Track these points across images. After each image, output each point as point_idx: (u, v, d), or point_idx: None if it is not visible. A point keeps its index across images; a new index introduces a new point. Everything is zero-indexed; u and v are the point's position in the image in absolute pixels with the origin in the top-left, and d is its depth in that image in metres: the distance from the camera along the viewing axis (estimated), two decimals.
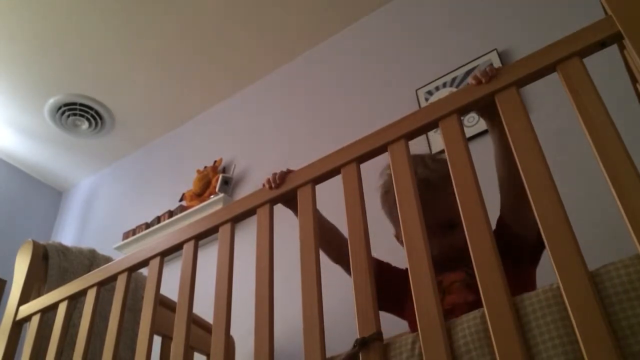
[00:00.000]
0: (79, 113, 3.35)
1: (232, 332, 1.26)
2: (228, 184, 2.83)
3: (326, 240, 1.30)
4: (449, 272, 1.26)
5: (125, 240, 3.04)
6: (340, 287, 1.34)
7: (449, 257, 1.22)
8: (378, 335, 0.88)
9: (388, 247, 1.37)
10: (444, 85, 2.34)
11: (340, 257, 1.33)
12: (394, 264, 1.41)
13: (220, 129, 3.27)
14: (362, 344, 0.87)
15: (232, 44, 3.05)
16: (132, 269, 1.44)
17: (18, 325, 1.62)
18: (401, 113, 1.14)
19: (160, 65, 3.14)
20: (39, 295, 1.66)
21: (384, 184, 1.37)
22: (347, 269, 1.33)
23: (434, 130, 1.10)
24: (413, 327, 1.28)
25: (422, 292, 0.87)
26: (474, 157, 0.97)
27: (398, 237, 1.37)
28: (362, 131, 1.17)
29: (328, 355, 0.95)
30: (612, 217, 0.86)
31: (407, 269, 1.38)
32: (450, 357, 0.79)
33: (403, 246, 1.31)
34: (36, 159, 3.71)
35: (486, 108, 1.07)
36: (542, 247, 1.19)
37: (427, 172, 1.29)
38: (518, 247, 1.16)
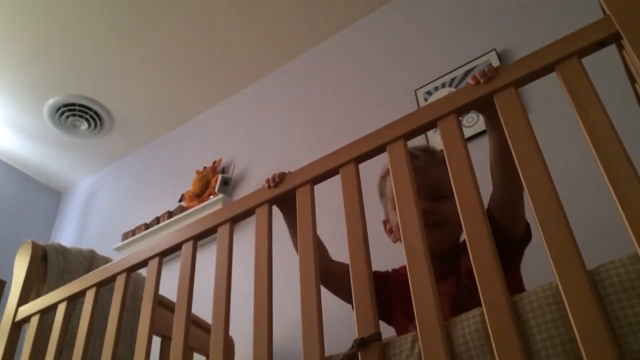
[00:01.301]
0: (78, 114, 3.35)
1: (231, 333, 1.26)
2: (227, 185, 2.83)
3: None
4: (439, 280, 1.25)
5: (125, 241, 3.04)
6: None
7: (440, 253, 1.22)
8: (377, 335, 0.88)
9: (387, 248, 1.37)
10: (443, 85, 2.34)
11: (327, 280, 1.31)
12: (393, 263, 1.41)
13: (220, 130, 3.27)
14: (361, 344, 0.87)
15: (231, 45, 3.05)
16: (131, 270, 1.44)
17: (17, 326, 1.62)
18: (400, 113, 1.14)
19: (160, 65, 3.14)
20: (38, 296, 1.66)
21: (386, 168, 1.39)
22: (334, 291, 1.34)
23: (433, 130, 1.10)
24: (399, 333, 1.29)
25: (421, 291, 0.87)
26: (472, 157, 0.97)
27: (386, 223, 1.43)
28: (361, 131, 1.17)
29: (327, 355, 0.95)
30: (611, 216, 0.86)
31: (387, 271, 1.39)
32: (449, 356, 0.80)
33: (389, 235, 1.38)
34: (35, 160, 3.71)
35: (486, 105, 1.08)
36: (528, 240, 1.22)
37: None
38: (504, 240, 1.16)
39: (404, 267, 1.19)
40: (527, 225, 1.24)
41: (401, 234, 0.96)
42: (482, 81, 1.02)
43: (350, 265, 0.99)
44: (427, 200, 1.28)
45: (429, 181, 1.30)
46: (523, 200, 1.17)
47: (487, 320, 0.78)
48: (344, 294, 1.29)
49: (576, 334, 0.71)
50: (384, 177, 1.43)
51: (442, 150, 1.03)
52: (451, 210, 1.22)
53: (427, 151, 1.38)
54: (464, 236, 1.29)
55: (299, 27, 2.99)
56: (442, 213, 1.28)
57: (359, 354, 0.88)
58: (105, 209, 3.60)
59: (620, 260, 0.75)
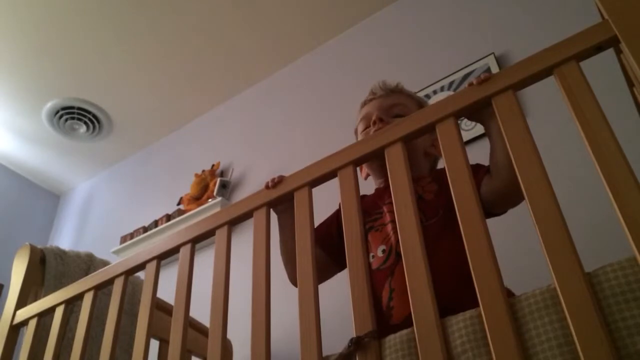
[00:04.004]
0: (76, 117, 3.35)
1: (229, 336, 1.26)
2: (226, 188, 2.83)
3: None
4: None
5: (123, 244, 3.04)
6: (337, 288, 1.34)
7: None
8: (373, 334, 0.87)
9: None
10: (442, 89, 2.34)
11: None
12: None
13: (218, 133, 3.27)
14: (357, 343, 0.87)
15: (229, 48, 3.06)
16: (129, 273, 1.43)
17: (15, 329, 1.61)
18: None
19: (158, 68, 3.14)
20: (36, 299, 1.66)
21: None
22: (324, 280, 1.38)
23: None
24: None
25: (419, 290, 0.87)
26: (471, 161, 0.97)
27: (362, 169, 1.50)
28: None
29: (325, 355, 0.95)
30: (609, 219, 0.86)
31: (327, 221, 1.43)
32: (446, 356, 0.79)
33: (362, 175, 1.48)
34: (34, 163, 3.70)
35: (478, 115, 1.09)
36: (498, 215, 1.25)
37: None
38: None
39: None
40: None
41: (400, 239, 0.95)
42: (474, 82, 1.03)
43: (348, 266, 0.99)
44: (385, 116, 1.38)
45: (386, 102, 1.43)
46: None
47: (485, 323, 0.78)
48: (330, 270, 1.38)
49: (574, 337, 0.71)
50: (363, 104, 1.56)
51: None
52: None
53: (384, 85, 1.52)
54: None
55: (297, 31, 2.99)
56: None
57: (355, 353, 0.88)
58: (104, 212, 3.59)
59: (618, 263, 0.75)
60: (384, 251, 1.23)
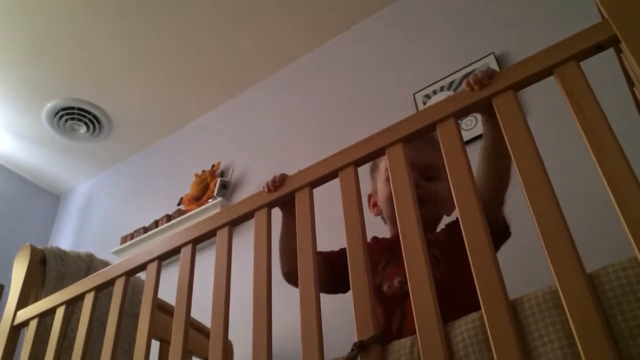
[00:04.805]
0: (76, 117, 3.35)
1: (230, 336, 1.26)
2: (226, 188, 2.83)
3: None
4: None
5: (124, 245, 3.04)
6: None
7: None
8: (376, 338, 0.87)
9: None
10: (442, 89, 2.34)
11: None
12: None
13: (219, 133, 3.27)
14: (360, 347, 0.87)
15: (229, 48, 3.06)
16: (130, 273, 1.44)
17: (16, 330, 1.61)
18: (399, 117, 1.14)
19: (158, 69, 3.14)
20: (36, 299, 1.66)
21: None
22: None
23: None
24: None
25: (421, 294, 0.87)
26: (471, 160, 0.97)
27: (371, 197, 1.48)
28: (360, 135, 1.17)
29: (327, 359, 0.95)
30: (609, 219, 0.86)
31: (343, 249, 1.40)
32: (448, 359, 0.79)
33: (372, 209, 1.47)
34: (34, 163, 3.70)
35: (485, 108, 1.09)
36: (502, 237, 1.25)
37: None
38: None
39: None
40: (504, 223, 1.25)
41: (401, 239, 0.96)
42: (476, 88, 1.03)
43: (349, 268, 0.99)
44: (419, 176, 1.32)
45: (423, 158, 1.34)
46: (502, 197, 1.19)
47: (487, 325, 0.78)
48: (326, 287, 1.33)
49: (576, 338, 0.71)
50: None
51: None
52: (438, 190, 1.32)
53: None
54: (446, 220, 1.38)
55: (298, 31, 2.99)
56: (429, 191, 1.32)
57: (359, 357, 0.88)
58: (104, 212, 3.59)
59: (619, 263, 0.75)
60: (400, 282, 1.22)
